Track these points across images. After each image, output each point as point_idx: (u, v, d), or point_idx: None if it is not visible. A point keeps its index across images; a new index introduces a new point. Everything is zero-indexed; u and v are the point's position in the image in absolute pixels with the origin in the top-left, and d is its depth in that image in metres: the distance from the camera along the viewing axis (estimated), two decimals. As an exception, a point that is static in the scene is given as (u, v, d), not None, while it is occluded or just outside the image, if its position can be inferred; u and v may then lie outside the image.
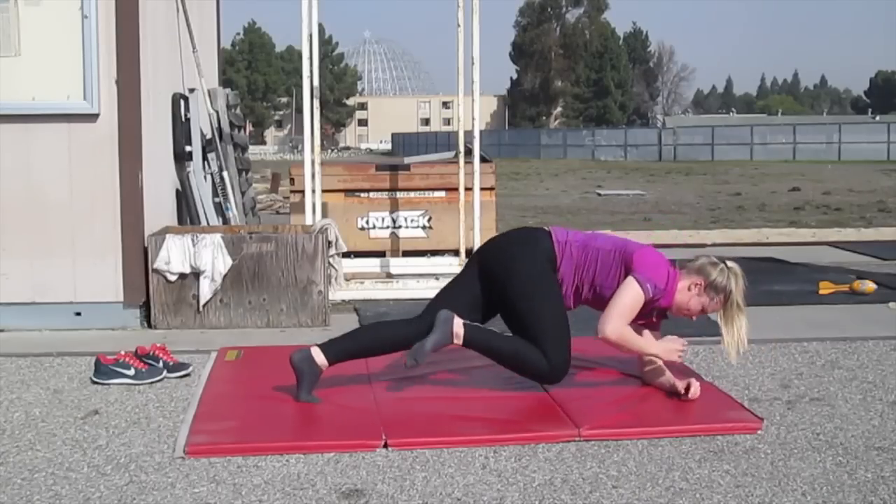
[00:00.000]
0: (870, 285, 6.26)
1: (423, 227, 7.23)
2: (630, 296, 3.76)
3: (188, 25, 6.31)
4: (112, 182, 5.14)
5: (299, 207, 6.68)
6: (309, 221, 6.21)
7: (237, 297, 5.32)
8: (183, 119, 6.01)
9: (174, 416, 3.69)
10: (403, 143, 66.73)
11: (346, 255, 6.21)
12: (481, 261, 4.02)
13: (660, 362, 3.94)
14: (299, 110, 6.80)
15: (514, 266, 3.86)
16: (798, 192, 19.41)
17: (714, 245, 9.05)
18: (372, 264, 6.77)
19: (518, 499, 2.88)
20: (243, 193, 7.20)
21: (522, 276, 3.85)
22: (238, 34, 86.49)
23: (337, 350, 3.86)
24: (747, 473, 3.07)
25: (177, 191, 6.06)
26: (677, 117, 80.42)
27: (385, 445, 3.31)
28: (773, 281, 6.73)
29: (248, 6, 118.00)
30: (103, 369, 4.13)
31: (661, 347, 3.87)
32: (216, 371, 4.34)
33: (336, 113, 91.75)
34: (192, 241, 5.25)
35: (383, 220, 7.22)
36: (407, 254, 7.11)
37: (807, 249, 8.81)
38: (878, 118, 63.00)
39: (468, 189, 6.54)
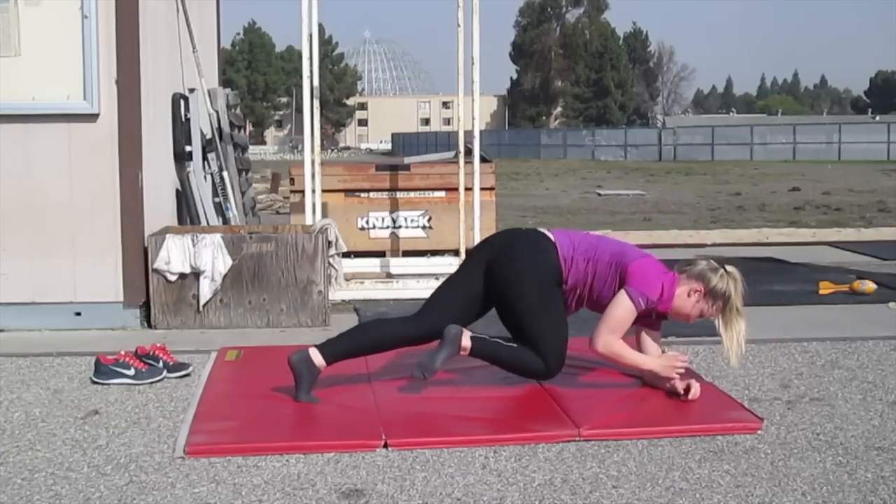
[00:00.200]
0: (870, 285, 6.26)
1: (423, 227, 7.23)
2: (621, 310, 3.78)
3: (188, 25, 6.31)
4: (112, 182, 5.14)
5: (299, 207, 6.68)
6: (309, 221, 6.21)
7: (237, 297, 5.32)
8: (183, 119, 6.01)
9: (174, 416, 3.69)
10: (403, 143, 66.74)
11: (346, 255, 6.20)
12: (485, 265, 3.96)
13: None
14: (299, 110, 6.80)
15: (521, 282, 3.86)
16: (798, 192, 19.41)
17: (714, 245, 9.05)
18: (372, 264, 6.77)
19: (518, 499, 2.88)
20: (243, 193, 7.20)
21: (526, 282, 3.86)
22: (238, 34, 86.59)
23: (334, 350, 3.86)
24: (747, 473, 3.07)
25: (177, 191, 6.06)
26: (677, 117, 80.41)
27: (385, 445, 3.31)
28: (773, 281, 6.73)
29: (248, 6, 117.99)
30: (103, 369, 4.13)
31: (659, 364, 3.85)
32: (216, 371, 4.34)
33: (336, 113, 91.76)
34: (192, 241, 5.25)
35: (383, 220, 7.22)
36: (407, 254, 7.11)
37: (807, 249, 8.81)
38: (878, 118, 62.99)
39: (468, 189, 6.54)
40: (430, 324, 3.88)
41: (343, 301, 5.97)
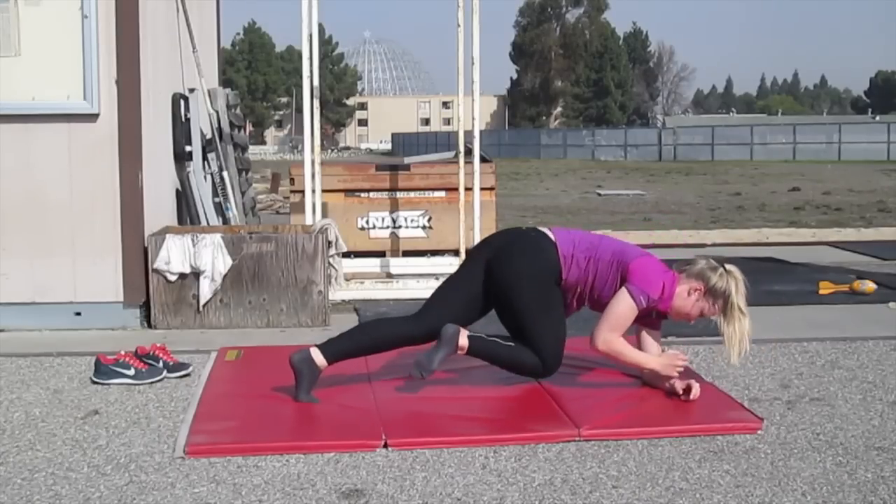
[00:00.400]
0: (870, 285, 6.26)
1: (423, 227, 7.23)
2: (622, 308, 3.78)
3: (188, 25, 6.31)
4: (112, 182, 5.14)
5: (299, 207, 6.68)
6: (309, 221, 6.21)
7: (237, 297, 5.32)
8: (183, 119, 6.01)
9: (174, 416, 3.69)
10: (403, 143, 66.74)
11: (346, 255, 6.20)
12: (485, 264, 3.97)
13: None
14: (299, 110, 6.80)
15: (521, 281, 3.87)
16: (798, 192, 19.42)
17: (714, 245, 9.06)
18: (372, 264, 6.76)
19: (518, 499, 2.88)
20: (243, 193, 7.20)
21: (524, 281, 3.86)
22: (238, 34, 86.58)
23: (335, 350, 3.87)
24: (747, 473, 3.07)
25: (177, 191, 6.06)
26: (677, 117, 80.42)
27: (385, 445, 3.31)
28: (773, 281, 6.73)
29: (248, 6, 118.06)
30: (103, 369, 4.13)
31: (659, 362, 3.85)
32: (216, 371, 4.34)
33: (336, 113, 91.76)
34: (192, 241, 5.25)
35: (383, 220, 7.22)
36: (407, 254, 7.11)
37: (807, 249, 8.81)
38: (878, 118, 62.99)
39: (468, 189, 6.54)
40: (430, 324, 3.88)
41: (343, 301, 5.97)
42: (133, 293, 5.22)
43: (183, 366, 4.30)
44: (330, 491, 2.93)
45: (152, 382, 4.13)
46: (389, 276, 6.62)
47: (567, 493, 2.92)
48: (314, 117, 6.32)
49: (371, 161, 11.56)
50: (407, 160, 9.18)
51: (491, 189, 7.17)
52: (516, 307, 3.87)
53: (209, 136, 6.56)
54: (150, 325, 5.29)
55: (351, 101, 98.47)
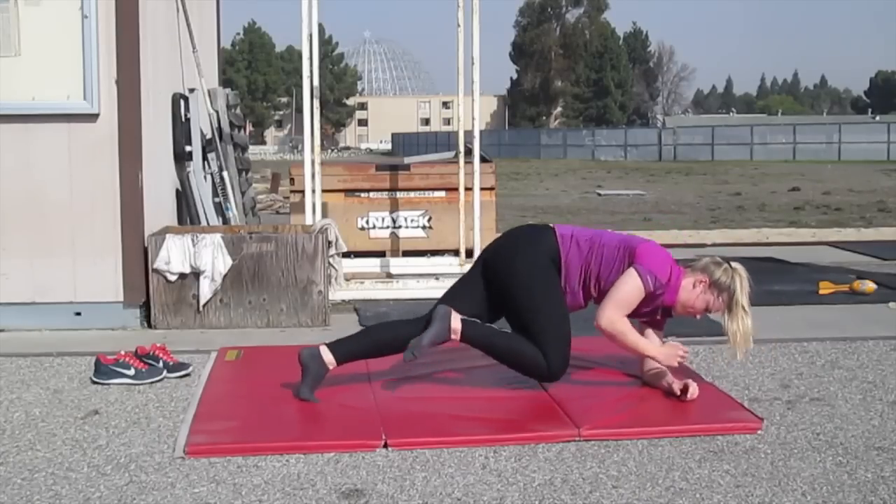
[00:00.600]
0: (870, 285, 6.26)
1: (423, 227, 7.23)
2: (629, 286, 3.74)
3: (188, 25, 6.31)
4: (112, 182, 5.14)
5: (299, 207, 6.68)
6: (309, 221, 6.20)
7: (237, 297, 5.32)
8: (183, 119, 6.01)
9: (174, 416, 3.69)
10: (403, 143, 66.74)
11: (346, 255, 6.20)
12: (485, 259, 4.02)
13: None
14: (299, 110, 6.80)
15: (516, 264, 3.86)
16: (798, 192, 19.42)
17: (714, 245, 9.05)
18: (372, 264, 6.77)
19: (518, 499, 2.88)
20: (243, 193, 7.20)
21: (523, 272, 3.84)
22: (238, 34, 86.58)
23: (345, 350, 3.88)
24: (747, 473, 3.07)
25: (177, 191, 6.06)
26: (677, 117, 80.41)
27: (385, 445, 3.31)
28: (773, 281, 6.72)
29: (248, 6, 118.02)
30: (103, 369, 4.13)
31: (661, 351, 3.83)
32: (216, 371, 4.34)
33: (336, 113, 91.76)
34: (192, 241, 5.25)
35: (383, 220, 7.22)
36: (407, 254, 7.11)
37: (807, 249, 8.81)
38: (878, 118, 62.99)
39: (468, 189, 6.54)
40: None
41: (343, 301, 5.97)
42: (133, 293, 5.22)
43: (183, 366, 4.30)
44: (330, 491, 2.94)
45: (152, 382, 4.13)
46: (389, 276, 6.62)
47: (567, 493, 2.92)
48: (314, 117, 6.32)
49: (371, 161, 11.57)
50: (407, 160, 9.18)
51: (491, 189, 7.18)
52: (515, 289, 3.83)
53: (209, 136, 6.56)
54: (150, 325, 5.29)
55: (351, 101, 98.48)
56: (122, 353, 4.21)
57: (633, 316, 3.84)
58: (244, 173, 7.41)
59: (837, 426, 3.54)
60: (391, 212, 7.20)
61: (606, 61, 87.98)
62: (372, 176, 7.27)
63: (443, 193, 7.19)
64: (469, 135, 6.52)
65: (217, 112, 6.79)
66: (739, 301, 3.78)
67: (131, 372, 4.12)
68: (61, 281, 5.16)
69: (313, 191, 6.36)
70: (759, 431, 3.46)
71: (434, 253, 7.10)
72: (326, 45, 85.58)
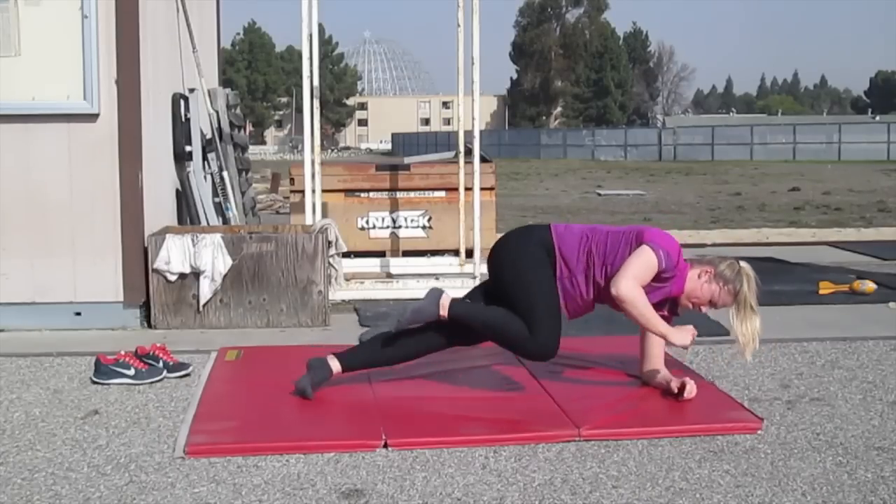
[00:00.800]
0: (870, 285, 6.26)
1: (423, 227, 7.23)
2: (643, 259, 3.70)
3: (188, 25, 6.31)
4: (112, 182, 5.14)
5: (299, 207, 6.68)
6: (309, 221, 6.20)
7: (237, 297, 5.32)
8: (183, 119, 6.01)
9: (174, 416, 3.69)
10: (403, 143, 66.74)
11: (346, 255, 6.20)
12: (487, 262, 4.05)
13: (660, 364, 3.94)
14: (299, 110, 6.79)
15: (509, 256, 3.88)
16: (798, 192, 19.42)
17: (714, 245, 9.05)
18: (372, 264, 6.77)
19: (518, 499, 2.88)
20: (243, 193, 7.20)
21: (515, 261, 3.85)
22: (238, 34, 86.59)
23: (351, 360, 3.92)
24: (747, 473, 3.07)
25: (177, 191, 6.06)
26: (677, 117, 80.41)
27: (385, 445, 3.31)
28: (773, 281, 6.71)
29: (248, 6, 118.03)
30: (103, 369, 4.13)
31: (670, 329, 3.76)
32: (216, 371, 4.34)
33: (336, 113, 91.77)
34: (192, 241, 5.25)
35: (383, 220, 7.22)
36: (407, 254, 7.11)
37: (807, 249, 8.81)
38: (878, 118, 63.00)
39: (468, 189, 6.54)
40: (450, 328, 3.88)
41: (343, 301, 5.97)
42: (133, 293, 5.22)
43: (183, 366, 4.30)
44: (330, 491, 2.94)
45: (152, 382, 4.13)
46: (389, 276, 6.62)
47: (567, 493, 2.92)
48: (314, 117, 6.32)
49: (371, 161, 11.56)
50: (407, 160, 9.18)
51: (491, 189, 7.17)
52: (507, 276, 3.84)
53: (209, 136, 6.56)
54: (150, 325, 5.29)
55: (351, 101, 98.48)
56: (122, 353, 4.21)
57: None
58: (244, 173, 7.41)
59: (837, 426, 3.54)
60: (391, 212, 7.20)
61: (606, 61, 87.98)
62: (372, 176, 7.27)
63: (443, 193, 7.19)
64: (469, 135, 6.52)
65: (217, 112, 6.79)
66: (748, 300, 3.78)
67: (131, 372, 4.12)
68: (61, 281, 5.16)
69: (313, 191, 6.36)
70: (759, 431, 3.46)
71: (434, 253, 7.10)
72: (326, 45, 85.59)
